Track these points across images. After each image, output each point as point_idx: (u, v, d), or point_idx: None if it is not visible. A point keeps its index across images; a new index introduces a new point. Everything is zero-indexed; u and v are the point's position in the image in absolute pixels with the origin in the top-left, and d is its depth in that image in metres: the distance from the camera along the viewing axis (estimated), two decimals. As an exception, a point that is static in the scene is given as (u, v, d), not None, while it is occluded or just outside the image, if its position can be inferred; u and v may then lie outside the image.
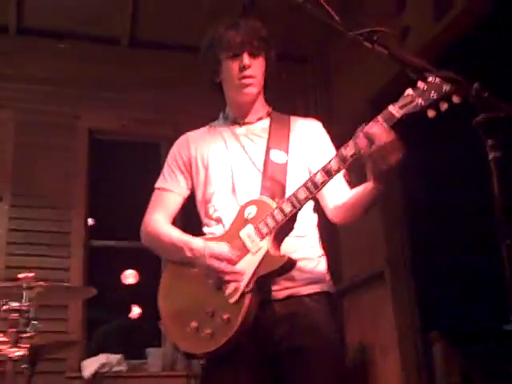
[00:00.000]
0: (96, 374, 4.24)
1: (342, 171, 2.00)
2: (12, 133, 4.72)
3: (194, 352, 2.08)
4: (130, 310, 6.02)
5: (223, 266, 1.99)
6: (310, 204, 2.19)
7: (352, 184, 2.15)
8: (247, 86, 2.20)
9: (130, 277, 6.35)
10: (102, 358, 4.32)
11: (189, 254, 2.07)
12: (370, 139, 1.83)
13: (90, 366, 4.26)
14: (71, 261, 4.53)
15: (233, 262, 2.00)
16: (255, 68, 2.20)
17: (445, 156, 3.95)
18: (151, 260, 4.90)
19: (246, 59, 2.17)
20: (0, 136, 4.72)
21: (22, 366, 2.73)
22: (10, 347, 2.47)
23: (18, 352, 2.48)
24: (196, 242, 2.09)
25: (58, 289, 3.00)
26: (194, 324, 2.03)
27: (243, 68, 2.17)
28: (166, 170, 2.34)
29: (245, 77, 2.18)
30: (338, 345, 2.16)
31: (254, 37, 2.18)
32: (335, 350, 2.12)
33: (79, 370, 4.27)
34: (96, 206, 4.84)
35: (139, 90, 4.98)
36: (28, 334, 2.57)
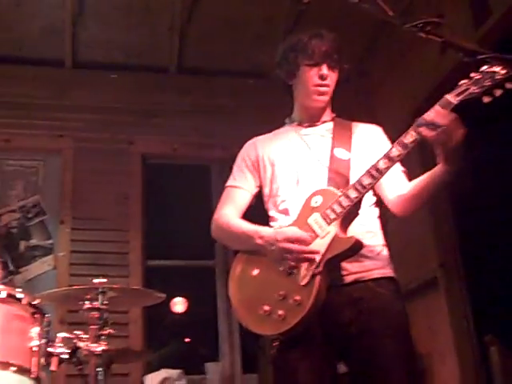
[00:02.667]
0: (157, 389, 4.40)
1: (401, 169, 2.21)
2: (71, 160, 5.02)
3: (266, 333, 2.25)
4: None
5: (298, 246, 2.15)
6: (372, 199, 2.36)
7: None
8: (321, 94, 2.42)
9: (178, 304, 6.51)
10: (163, 373, 4.48)
11: (259, 241, 2.25)
12: (433, 124, 2.00)
13: (152, 381, 4.42)
14: (130, 280, 4.73)
15: (306, 243, 2.16)
16: (331, 79, 2.41)
17: (497, 154, 4.03)
18: (205, 276, 5.12)
19: (325, 69, 2.38)
20: (61, 163, 5.01)
21: (98, 369, 2.90)
22: (92, 343, 2.65)
23: (99, 347, 2.66)
24: (266, 230, 2.27)
25: (130, 293, 3.18)
26: (266, 307, 2.20)
27: (321, 77, 2.38)
28: (235, 170, 2.55)
29: (321, 85, 2.39)
30: (406, 327, 2.27)
31: (335, 49, 2.39)
32: (404, 332, 2.24)
33: (142, 384, 4.45)
34: (151, 227, 5.06)
35: (189, 115, 5.24)
36: (107, 331, 2.75)
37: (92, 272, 4.61)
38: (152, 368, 4.65)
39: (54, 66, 5.24)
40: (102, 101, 5.21)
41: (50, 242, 4.84)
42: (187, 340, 6.12)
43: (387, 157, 2.11)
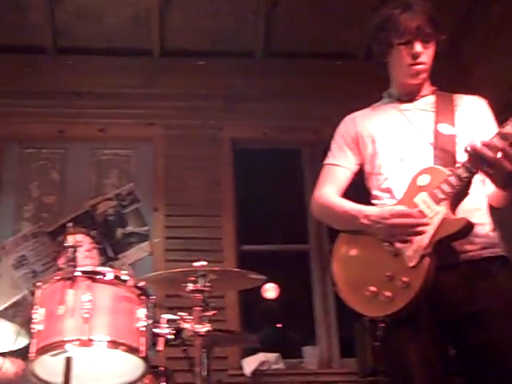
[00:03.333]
0: (256, 372, 4.44)
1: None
2: (162, 147, 5.12)
3: (373, 315, 2.20)
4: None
5: (407, 219, 2.08)
6: (480, 176, 2.26)
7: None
8: (417, 73, 2.31)
9: (270, 290, 6.53)
10: (260, 357, 4.52)
11: (365, 221, 2.19)
12: None
13: (250, 364, 4.47)
14: (224, 265, 4.77)
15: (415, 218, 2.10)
16: (426, 55, 2.28)
17: None
18: (297, 260, 5.11)
19: (419, 47, 2.25)
20: (152, 151, 5.12)
21: (202, 351, 2.94)
22: (196, 324, 2.69)
23: (204, 328, 2.70)
24: (371, 209, 2.22)
25: (229, 275, 3.20)
26: (372, 288, 2.15)
27: (415, 56, 2.26)
28: (333, 147, 2.49)
29: (416, 64, 2.28)
30: None
31: (427, 22, 2.24)
32: None
33: (240, 368, 4.49)
34: (243, 211, 5.09)
35: (277, 99, 5.22)
36: (210, 313, 2.79)
37: (187, 257, 4.69)
38: (249, 352, 4.69)
39: (143, 55, 5.34)
40: (191, 87, 5.27)
41: (146, 228, 4.96)
42: (281, 325, 6.13)
43: (500, 134, 2.00)
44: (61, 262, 3.63)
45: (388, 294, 2.11)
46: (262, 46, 5.35)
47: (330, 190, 2.40)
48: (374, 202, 2.37)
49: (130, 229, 4.96)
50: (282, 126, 5.21)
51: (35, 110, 5.10)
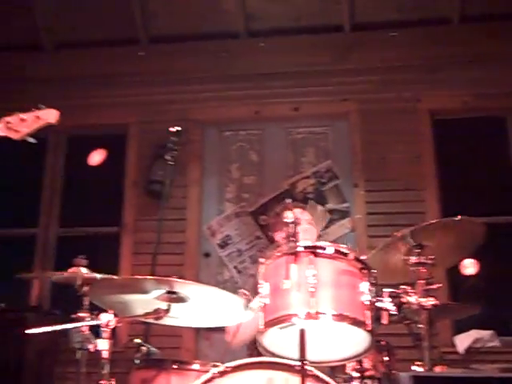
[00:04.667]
0: (470, 349, 4.32)
1: None
2: (358, 123, 5.12)
3: None
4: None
5: None
6: None
7: None
8: None
9: (469, 266, 6.28)
10: (473, 334, 4.39)
11: None
12: None
13: (463, 342, 4.36)
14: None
15: None
16: None
17: None
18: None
19: None
20: (348, 127, 5.14)
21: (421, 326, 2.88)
22: (421, 297, 2.66)
23: (429, 301, 2.66)
24: None
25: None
26: None
27: None
28: None
29: None
30: None
31: None
32: None
33: (452, 345, 4.38)
34: (445, 184, 4.95)
35: (477, 66, 5.04)
36: (435, 286, 2.74)
37: (389, 233, 4.65)
38: (459, 329, 4.57)
39: (333, 31, 5.36)
40: (384, 60, 5.22)
41: (346, 205, 5.00)
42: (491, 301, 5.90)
43: None
44: (277, 236, 3.71)
45: None
46: (458, 12, 5.16)
47: None
48: None
49: (330, 206, 5.02)
50: (483, 94, 5.00)
51: (231, 93, 5.33)
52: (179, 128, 3.43)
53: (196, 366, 2.60)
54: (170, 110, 5.29)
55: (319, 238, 4.77)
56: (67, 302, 4.75)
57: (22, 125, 2.44)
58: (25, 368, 4.23)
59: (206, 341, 4.81)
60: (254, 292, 3.04)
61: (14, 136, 2.44)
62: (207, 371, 2.48)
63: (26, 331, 2.69)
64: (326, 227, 4.93)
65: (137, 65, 5.57)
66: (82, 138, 5.60)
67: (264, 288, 2.23)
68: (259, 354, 2.41)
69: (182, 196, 5.09)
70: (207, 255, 5.06)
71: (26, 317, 4.38)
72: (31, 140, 2.48)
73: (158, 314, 2.53)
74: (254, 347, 2.89)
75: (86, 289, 3.08)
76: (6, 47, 5.71)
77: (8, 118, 2.46)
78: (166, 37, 5.56)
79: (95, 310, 2.91)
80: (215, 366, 2.48)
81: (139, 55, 5.60)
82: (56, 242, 5.46)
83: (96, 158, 5.50)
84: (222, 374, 2.20)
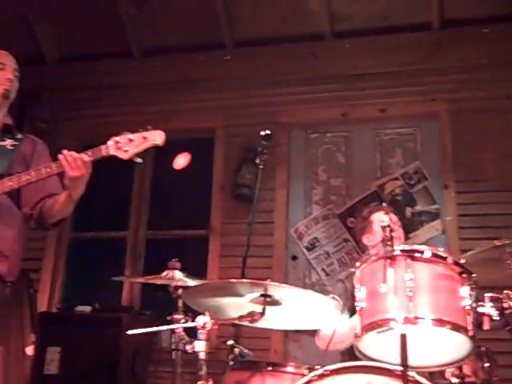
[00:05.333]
0: None
1: None
2: (448, 122, 5.03)
3: None
4: None
5: None
6: None
7: None
8: None
9: None
10: None
11: None
12: None
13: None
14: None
15: None
16: None
17: None
18: None
19: None
20: (437, 127, 5.06)
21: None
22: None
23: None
24: None
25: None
26: None
27: None
28: None
29: None
30: None
31: None
32: None
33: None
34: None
35: None
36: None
37: (482, 235, 4.57)
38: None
39: (421, 29, 5.29)
40: (474, 58, 5.10)
41: (435, 206, 4.92)
42: None
43: None
44: (365, 239, 3.69)
45: None
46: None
47: None
48: None
49: (419, 207, 4.95)
50: None
51: (317, 95, 5.34)
52: (269, 132, 3.47)
53: (290, 369, 2.63)
54: (257, 113, 5.36)
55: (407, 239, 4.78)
56: (156, 303, 4.92)
57: (130, 145, 2.54)
58: (120, 366, 4.37)
59: (295, 342, 4.85)
60: (344, 297, 3.06)
61: (123, 156, 2.55)
62: (301, 374, 2.52)
63: (127, 332, 2.80)
64: (415, 229, 4.86)
65: (222, 69, 5.68)
66: (169, 142, 5.71)
67: (361, 292, 2.23)
68: (352, 358, 2.42)
69: (269, 199, 5.14)
70: (294, 258, 5.09)
71: (120, 317, 4.53)
72: (138, 160, 2.58)
73: (252, 316, 2.57)
74: (347, 351, 2.90)
75: (180, 291, 3.15)
76: (97, 56, 5.93)
77: (117, 138, 2.56)
78: (251, 40, 5.63)
79: (189, 312, 3.01)
80: (310, 368, 2.51)
81: (224, 59, 5.70)
82: (145, 244, 5.62)
83: (181, 161, 5.61)
84: (321, 376, 2.22)
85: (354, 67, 5.33)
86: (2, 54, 2.96)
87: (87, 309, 4.74)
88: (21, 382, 4.55)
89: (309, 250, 5.08)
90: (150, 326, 2.80)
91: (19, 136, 2.91)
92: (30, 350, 4.64)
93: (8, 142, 2.84)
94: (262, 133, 3.48)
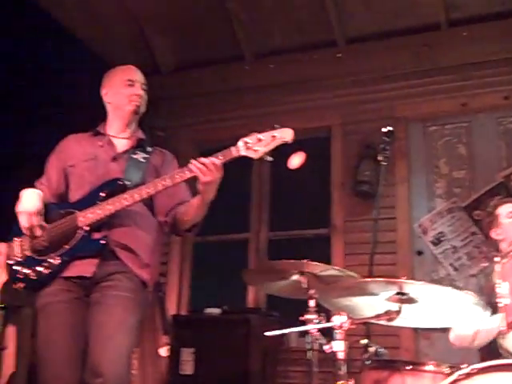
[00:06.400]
0: None
1: None
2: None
3: None
4: None
5: None
6: None
7: None
8: None
9: None
10: None
11: None
12: None
13: None
14: None
15: None
16: None
17: None
18: None
19: None
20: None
21: None
22: None
23: None
24: None
25: None
26: None
27: None
28: None
29: None
30: None
31: None
32: None
33: None
34: None
35: None
36: None
37: None
38: None
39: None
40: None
41: None
42: None
43: None
44: (493, 234, 3.59)
45: None
46: None
47: None
48: None
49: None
50: None
51: (435, 87, 5.26)
52: (391, 128, 3.45)
53: (431, 367, 2.59)
54: (373, 109, 5.34)
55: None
56: (281, 303, 4.99)
57: (260, 144, 2.60)
58: (251, 366, 4.47)
59: (426, 340, 4.79)
60: (479, 293, 2.99)
61: (253, 155, 2.61)
62: (442, 372, 2.49)
63: (266, 333, 2.87)
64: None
65: (335, 67, 5.68)
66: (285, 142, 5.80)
67: (503, 287, 2.19)
68: (492, 355, 2.38)
69: (390, 195, 5.09)
70: (420, 253, 5.03)
71: (249, 318, 4.63)
72: (269, 159, 2.64)
73: (389, 315, 2.58)
74: (487, 348, 2.85)
75: (312, 291, 3.19)
76: (209, 62, 6.09)
77: (246, 139, 2.63)
78: (363, 36, 5.60)
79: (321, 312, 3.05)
80: (451, 367, 2.48)
81: (337, 57, 5.70)
82: (267, 245, 5.72)
83: (295, 161, 5.66)
84: (468, 375, 2.19)
85: (472, 55, 5.19)
86: (131, 69, 3.08)
87: (217, 311, 4.88)
88: (157, 381, 4.76)
89: (435, 244, 5.00)
90: (278, 327, 2.85)
91: (149, 149, 3.04)
92: (163, 351, 4.84)
93: (139, 156, 2.97)
94: (384, 129, 3.47)
